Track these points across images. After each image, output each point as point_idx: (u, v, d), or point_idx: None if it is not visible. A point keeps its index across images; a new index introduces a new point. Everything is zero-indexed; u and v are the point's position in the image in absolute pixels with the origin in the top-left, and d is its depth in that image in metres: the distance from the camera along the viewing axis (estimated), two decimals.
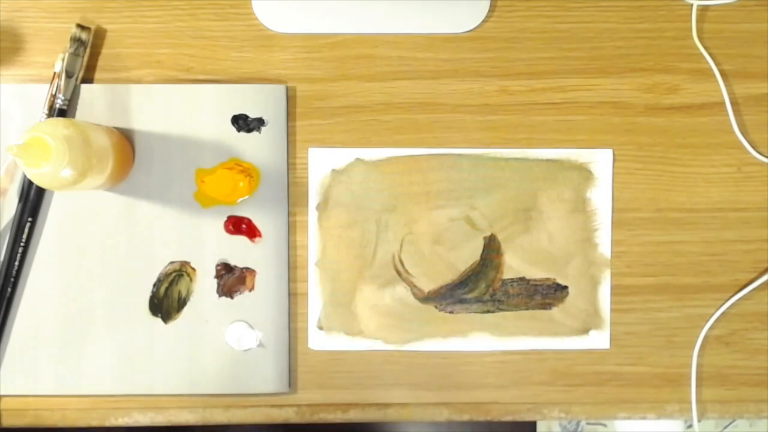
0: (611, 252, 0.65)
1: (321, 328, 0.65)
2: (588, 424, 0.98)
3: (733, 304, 0.66)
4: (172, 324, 0.64)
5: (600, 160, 0.65)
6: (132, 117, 0.63)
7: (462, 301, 0.65)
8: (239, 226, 0.64)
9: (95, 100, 0.63)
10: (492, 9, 0.65)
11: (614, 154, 0.65)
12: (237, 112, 0.63)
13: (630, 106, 0.65)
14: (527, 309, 0.65)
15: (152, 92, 0.63)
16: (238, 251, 0.64)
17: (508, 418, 0.66)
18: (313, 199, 0.64)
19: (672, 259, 0.66)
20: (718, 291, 0.66)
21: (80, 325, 0.63)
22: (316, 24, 0.64)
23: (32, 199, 0.63)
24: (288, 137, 0.64)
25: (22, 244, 0.62)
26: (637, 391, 0.66)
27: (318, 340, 0.65)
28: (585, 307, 0.65)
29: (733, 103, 0.65)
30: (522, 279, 0.65)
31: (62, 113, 0.62)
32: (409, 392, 0.65)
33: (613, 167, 0.65)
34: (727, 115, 0.65)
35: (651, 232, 0.65)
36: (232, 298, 0.64)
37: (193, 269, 0.64)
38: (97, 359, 0.63)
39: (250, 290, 0.64)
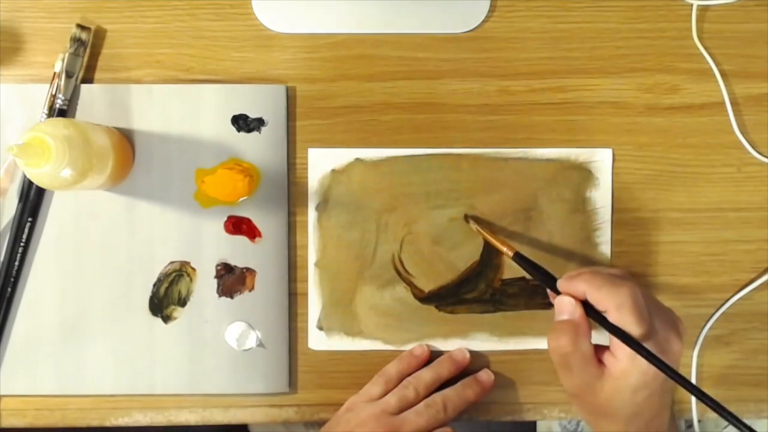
0: (611, 252, 0.65)
1: (321, 328, 0.65)
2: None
3: (733, 304, 0.66)
4: (172, 324, 0.64)
5: (600, 160, 0.65)
6: (132, 117, 0.63)
7: (462, 301, 0.65)
8: (239, 226, 0.64)
9: (95, 100, 0.63)
10: (492, 9, 0.65)
11: (614, 154, 0.65)
12: (237, 112, 0.63)
13: (630, 106, 0.65)
14: (527, 309, 0.65)
15: (152, 92, 0.63)
16: (238, 251, 0.64)
17: (508, 418, 0.66)
18: (313, 199, 0.64)
19: (672, 259, 0.66)
20: (718, 291, 0.66)
21: (80, 325, 0.63)
22: (316, 24, 0.64)
23: (32, 199, 0.63)
24: (288, 137, 0.64)
25: (22, 244, 0.62)
26: None
27: (318, 340, 0.65)
28: None
29: (733, 103, 0.65)
30: (522, 279, 0.65)
31: (62, 113, 0.62)
32: None
33: (613, 167, 0.65)
34: (727, 115, 0.65)
35: (651, 232, 0.65)
36: (232, 298, 0.64)
37: (193, 269, 0.64)
38: (97, 359, 0.63)
39: (250, 290, 0.64)
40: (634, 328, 0.51)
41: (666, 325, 0.54)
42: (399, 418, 0.60)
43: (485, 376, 0.64)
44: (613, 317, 0.52)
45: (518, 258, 0.58)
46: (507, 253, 0.59)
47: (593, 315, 0.53)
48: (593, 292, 0.53)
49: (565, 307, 0.54)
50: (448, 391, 0.62)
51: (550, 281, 0.56)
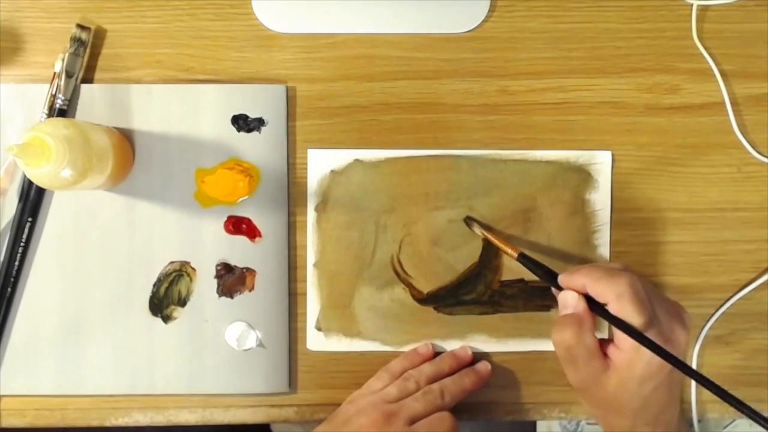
0: (610, 252, 0.65)
1: (319, 329, 0.65)
2: (588, 424, 0.97)
3: (733, 304, 0.66)
4: (172, 324, 0.64)
5: (600, 162, 0.64)
6: (132, 117, 0.63)
7: (460, 303, 0.65)
8: (239, 226, 0.64)
9: (95, 100, 0.63)
10: (492, 9, 0.65)
11: (614, 155, 0.65)
12: (237, 112, 0.63)
13: (630, 106, 0.65)
14: (525, 311, 0.65)
15: (152, 92, 0.63)
16: (238, 251, 0.64)
17: (508, 418, 0.66)
18: (312, 199, 0.64)
19: (672, 259, 0.66)
20: (718, 291, 0.66)
21: (80, 325, 0.63)
22: (316, 24, 0.64)
23: (32, 199, 0.63)
24: (288, 137, 0.64)
25: (22, 244, 0.63)
26: None
27: (316, 342, 0.65)
28: None
29: (733, 103, 0.65)
30: (520, 281, 0.64)
31: (62, 113, 0.62)
32: None
33: (613, 168, 0.65)
34: (727, 115, 0.65)
35: (651, 232, 0.65)
36: (232, 298, 0.64)
37: (193, 269, 0.64)
38: (97, 359, 0.64)
39: (250, 290, 0.64)
40: (634, 318, 0.51)
41: (669, 316, 0.53)
42: (396, 405, 0.60)
43: (483, 366, 0.64)
44: (613, 308, 0.52)
45: (522, 258, 0.59)
46: (512, 255, 0.60)
47: (595, 307, 0.54)
48: (592, 285, 0.53)
49: (568, 301, 0.54)
50: (445, 380, 0.62)
51: (552, 278, 0.57)
